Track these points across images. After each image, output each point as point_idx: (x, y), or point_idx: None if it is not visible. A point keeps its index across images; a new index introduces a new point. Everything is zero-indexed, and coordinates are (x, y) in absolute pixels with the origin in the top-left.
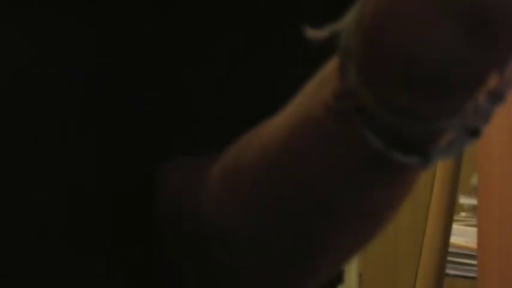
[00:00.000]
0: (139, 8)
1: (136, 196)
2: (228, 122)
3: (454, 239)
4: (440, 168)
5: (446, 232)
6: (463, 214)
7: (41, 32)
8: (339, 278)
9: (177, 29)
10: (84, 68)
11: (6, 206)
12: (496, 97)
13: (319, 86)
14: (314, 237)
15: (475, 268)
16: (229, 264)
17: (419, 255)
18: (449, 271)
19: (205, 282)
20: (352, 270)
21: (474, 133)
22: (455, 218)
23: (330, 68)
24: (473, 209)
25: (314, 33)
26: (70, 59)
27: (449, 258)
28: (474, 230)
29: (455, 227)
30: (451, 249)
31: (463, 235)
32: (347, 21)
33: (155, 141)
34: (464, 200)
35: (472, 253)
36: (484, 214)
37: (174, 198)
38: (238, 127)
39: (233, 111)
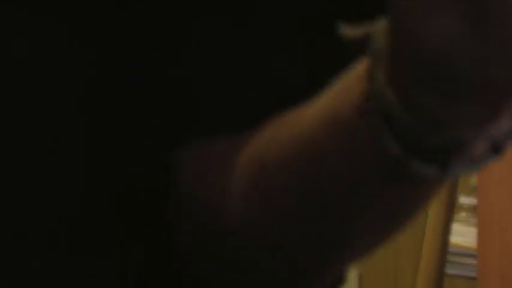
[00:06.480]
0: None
1: (138, 195)
2: (229, 106)
3: (454, 239)
4: None
5: (446, 232)
6: (463, 214)
7: (33, 32)
8: (341, 278)
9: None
10: (84, 64)
11: (7, 206)
12: None
13: (350, 86)
14: (330, 238)
15: (475, 268)
16: (244, 260)
17: (419, 255)
18: (449, 271)
19: (217, 277)
20: (352, 271)
21: (496, 149)
22: (455, 217)
23: (360, 68)
24: (473, 208)
25: (349, 31)
26: (68, 57)
27: (449, 258)
28: (474, 229)
29: (455, 226)
30: (451, 249)
31: (463, 235)
32: (381, 23)
33: (157, 137)
34: (464, 200)
35: (472, 253)
36: (484, 214)
37: (188, 188)
38: (240, 112)
39: (231, 93)
